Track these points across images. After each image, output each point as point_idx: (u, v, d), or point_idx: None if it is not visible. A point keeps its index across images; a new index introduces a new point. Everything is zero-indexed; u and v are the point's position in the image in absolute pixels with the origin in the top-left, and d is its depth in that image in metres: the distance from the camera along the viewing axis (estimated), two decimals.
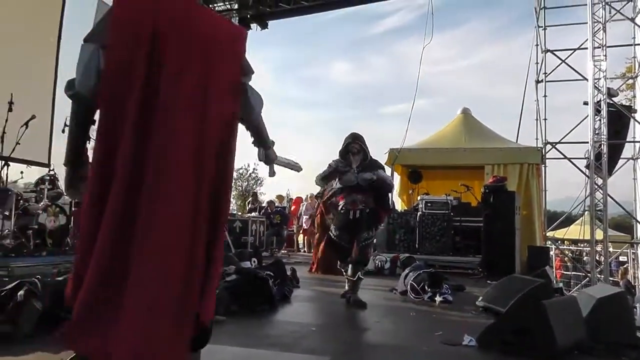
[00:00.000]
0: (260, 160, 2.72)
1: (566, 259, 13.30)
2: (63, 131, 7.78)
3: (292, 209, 14.95)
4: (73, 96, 2.12)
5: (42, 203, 7.11)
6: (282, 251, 12.92)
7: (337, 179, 5.69)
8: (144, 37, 1.90)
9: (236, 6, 13.67)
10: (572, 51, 11.06)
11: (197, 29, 2.00)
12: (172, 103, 1.91)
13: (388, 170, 9.36)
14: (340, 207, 5.65)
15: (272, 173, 2.91)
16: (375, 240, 6.19)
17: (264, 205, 14.05)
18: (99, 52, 1.95)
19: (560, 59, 11.03)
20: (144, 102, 1.88)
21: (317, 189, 9.93)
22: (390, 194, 6.20)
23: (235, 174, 34.66)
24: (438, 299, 5.68)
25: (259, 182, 35.93)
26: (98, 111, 1.99)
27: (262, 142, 2.59)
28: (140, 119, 1.88)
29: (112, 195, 1.84)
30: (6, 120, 6.58)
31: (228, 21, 2.42)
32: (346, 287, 5.55)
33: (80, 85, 2.02)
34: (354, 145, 5.64)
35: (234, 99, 2.13)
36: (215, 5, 13.90)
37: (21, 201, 6.99)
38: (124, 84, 1.89)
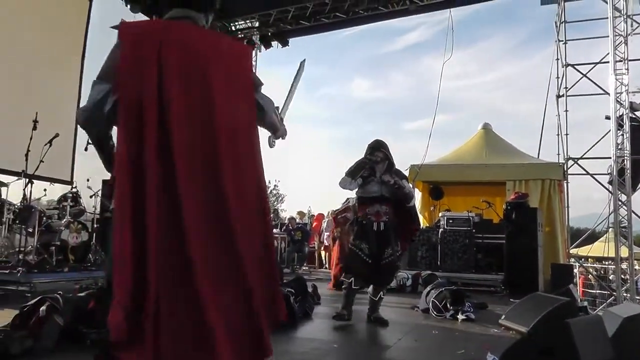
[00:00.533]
0: (271, 145, 2.73)
1: (590, 276, 13.09)
2: (86, 149, 7.96)
3: (313, 225, 14.97)
4: (84, 128, 2.20)
5: (64, 220, 7.20)
6: (303, 268, 12.93)
7: (357, 190, 5.39)
8: (152, 74, 1.92)
9: (257, 24, 13.82)
10: (593, 65, 10.97)
11: (198, 53, 2.02)
12: (183, 138, 1.91)
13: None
14: (362, 218, 5.32)
15: (272, 144, 2.77)
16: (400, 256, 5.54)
17: (285, 221, 14.09)
18: (110, 92, 1.98)
19: (581, 73, 10.95)
20: (159, 141, 1.88)
21: (337, 205, 9.95)
22: (412, 207, 5.60)
23: None
24: (460, 316, 5.65)
25: (280, 199, 36.09)
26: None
27: (276, 132, 2.55)
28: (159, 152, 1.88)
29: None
30: (31, 139, 6.69)
31: (232, 40, 2.42)
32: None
33: (89, 123, 2.12)
34: (378, 154, 5.33)
35: (249, 111, 2.14)
36: (236, 23, 14.09)
37: (44, 218, 7.10)
38: (138, 120, 1.89)
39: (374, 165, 5.29)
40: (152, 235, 1.83)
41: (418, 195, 12.36)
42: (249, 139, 2.10)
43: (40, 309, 3.64)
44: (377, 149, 5.35)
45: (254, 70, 2.25)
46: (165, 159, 1.87)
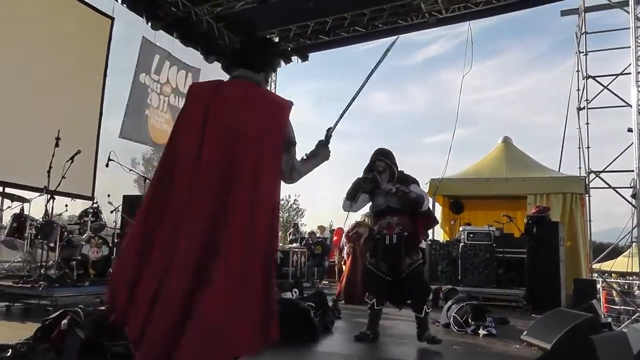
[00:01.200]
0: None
1: (614, 292, 12.83)
2: (107, 165, 8.13)
3: (333, 239, 14.96)
4: None
5: (85, 235, 7.31)
6: (324, 282, 12.91)
7: (368, 205, 5.22)
8: (198, 124, 2.37)
9: (276, 39, 13.98)
10: (614, 77, 10.83)
11: (238, 111, 2.41)
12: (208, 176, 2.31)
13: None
14: (376, 233, 5.09)
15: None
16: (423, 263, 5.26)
17: (305, 236, 14.10)
18: None
19: (603, 85, 10.81)
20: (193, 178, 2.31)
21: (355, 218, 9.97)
22: (427, 210, 5.23)
23: None
24: (482, 332, 5.59)
25: (300, 213, 36.14)
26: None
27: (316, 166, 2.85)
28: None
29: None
30: (53, 156, 6.79)
31: (274, 97, 2.70)
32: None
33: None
34: (379, 164, 5.06)
35: (273, 155, 2.43)
36: None
37: (65, 233, 7.20)
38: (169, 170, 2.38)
39: (377, 177, 5.02)
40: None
41: (438, 210, 12.28)
42: (269, 176, 2.40)
43: (62, 322, 3.70)
44: (378, 159, 5.08)
45: (288, 122, 2.53)
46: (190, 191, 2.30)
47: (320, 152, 2.81)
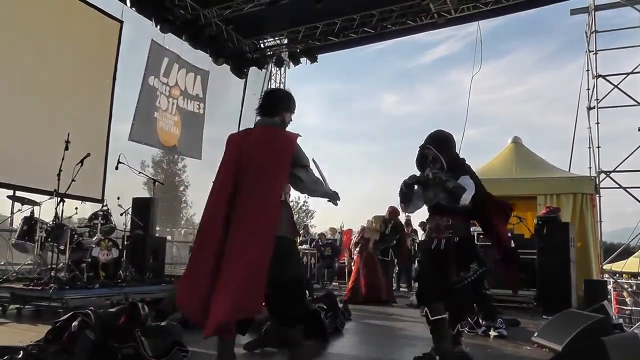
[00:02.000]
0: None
1: (625, 293, 12.74)
2: (116, 168, 8.16)
3: (343, 241, 14.96)
4: None
5: (95, 237, 7.34)
6: (334, 283, 12.89)
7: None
8: (232, 163, 3.52)
9: (285, 41, 14.01)
10: (625, 75, 10.75)
11: (256, 151, 3.43)
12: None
13: None
14: (426, 235, 4.39)
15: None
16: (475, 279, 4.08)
17: (315, 237, 14.11)
18: None
19: (613, 84, 10.72)
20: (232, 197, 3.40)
21: (364, 220, 10.00)
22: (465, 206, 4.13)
23: None
24: (492, 333, 5.57)
25: (310, 214, 36.20)
26: None
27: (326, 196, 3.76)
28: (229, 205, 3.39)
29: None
30: (62, 159, 6.79)
31: (283, 133, 3.59)
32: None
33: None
34: (428, 152, 4.29)
35: (278, 173, 3.40)
36: (265, 40, 14.28)
37: (75, 236, 7.20)
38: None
39: (425, 169, 4.32)
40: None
41: None
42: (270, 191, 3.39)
43: (73, 324, 3.72)
44: (427, 146, 4.31)
45: (295, 148, 3.46)
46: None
47: (333, 194, 3.74)
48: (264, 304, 3.24)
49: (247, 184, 3.32)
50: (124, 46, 10.88)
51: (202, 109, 13.66)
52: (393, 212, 9.93)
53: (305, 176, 3.50)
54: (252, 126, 3.75)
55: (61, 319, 3.86)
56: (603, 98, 10.95)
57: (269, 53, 14.42)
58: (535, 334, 5.16)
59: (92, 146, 8.13)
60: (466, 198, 4.05)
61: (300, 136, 3.49)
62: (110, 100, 10.51)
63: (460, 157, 4.52)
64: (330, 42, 13.26)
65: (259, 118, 3.71)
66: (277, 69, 14.86)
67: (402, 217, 10.59)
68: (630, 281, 12.50)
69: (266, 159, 3.39)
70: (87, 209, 8.65)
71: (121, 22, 10.81)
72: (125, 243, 7.89)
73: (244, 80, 14.35)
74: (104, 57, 10.46)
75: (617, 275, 11.81)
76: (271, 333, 4.39)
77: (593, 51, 11.21)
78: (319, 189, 3.64)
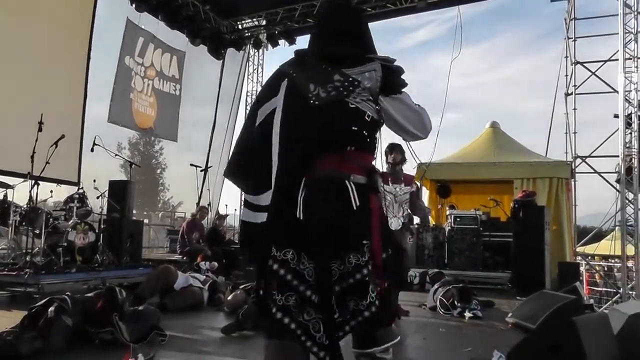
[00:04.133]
0: None
1: (597, 275, 13.04)
2: (92, 150, 8.04)
3: None
4: None
5: (71, 221, 7.23)
6: None
7: None
8: None
9: (264, 22, 13.86)
10: (602, 63, 10.88)
11: None
12: None
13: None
14: None
15: None
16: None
17: None
18: None
19: (590, 71, 10.83)
20: None
21: None
22: None
23: None
24: (467, 314, 5.65)
25: None
26: None
27: None
28: None
29: None
30: (36, 140, 6.67)
31: None
32: None
33: None
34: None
35: None
36: (243, 21, 14.11)
37: (51, 219, 7.12)
38: None
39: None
40: None
41: (426, 194, 12.28)
42: None
43: (49, 310, 3.67)
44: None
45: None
46: None
47: None
48: None
49: None
50: (99, 24, 10.58)
51: (178, 90, 13.46)
52: None
53: None
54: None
55: (37, 304, 3.81)
56: (581, 84, 11.08)
57: (247, 34, 14.26)
58: (510, 315, 5.25)
59: (66, 127, 7.97)
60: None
61: None
62: (84, 79, 10.23)
63: None
64: (309, 24, 13.12)
65: None
66: (255, 50, 14.71)
67: None
68: (601, 263, 12.80)
69: None
70: (62, 192, 8.52)
71: None
72: (102, 227, 7.77)
73: (221, 61, 14.19)
74: (77, 35, 10.11)
75: (590, 257, 12.07)
76: (248, 317, 4.40)
77: (572, 38, 11.31)
78: None
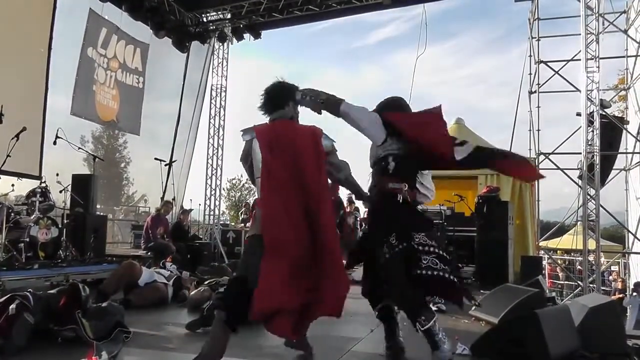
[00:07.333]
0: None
1: (558, 268, 13.36)
2: (54, 143, 7.84)
3: None
4: None
5: (33, 216, 7.09)
6: None
7: None
8: (265, 147, 3.42)
9: (229, 16, 13.70)
10: (565, 62, 11.13)
11: (288, 138, 3.46)
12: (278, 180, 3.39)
13: None
14: None
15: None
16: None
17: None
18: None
19: (554, 70, 11.07)
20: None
21: None
22: None
23: (227, 185, 35.28)
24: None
25: (252, 192, 36.04)
26: None
27: (356, 193, 4.14)
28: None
29: None
30: None
31: (307, 127, 3.63)
32: None
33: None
34: None
35: (321, 169, 3.47)
36: (208, 14, 13.94)
37: (12, 214, 6.96)
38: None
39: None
40: None
41: None
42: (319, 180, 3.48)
43: (10, 307, 3.60)
44: None
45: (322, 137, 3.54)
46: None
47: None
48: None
49: (303, 168, 3.41)
50: (61, 14, 10.29)
51: (142, 83, 13.18)
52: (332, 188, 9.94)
53: (338, 162, 3.75)
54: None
55: None
56: (544, 83, 11.33)
57: (211, 27, 14.07)
58: (473, 308, 5.33)
59: (27, 120, 7.76)
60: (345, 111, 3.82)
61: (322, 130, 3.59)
62: (46, 70, 9.90)
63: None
64: (275, 18, 13.04)
65: (273, 115, 3.60)
66: (220, 44, 14.53)
67: (343, 195, 10.62)
68: (564, 257, 13.11)
69: (311, 149, 3.46)
70: (24, 186, 8.27)
71: None
72: (65, 222, 7.65)
73: (185, 54, 13.99)
74: (38, 26, 9.79)
75: (552, 251, 12.35)
76: (212, 313, 4.36)
77: (535, 38, 11.54)
78: (347, 177, 3.88)
